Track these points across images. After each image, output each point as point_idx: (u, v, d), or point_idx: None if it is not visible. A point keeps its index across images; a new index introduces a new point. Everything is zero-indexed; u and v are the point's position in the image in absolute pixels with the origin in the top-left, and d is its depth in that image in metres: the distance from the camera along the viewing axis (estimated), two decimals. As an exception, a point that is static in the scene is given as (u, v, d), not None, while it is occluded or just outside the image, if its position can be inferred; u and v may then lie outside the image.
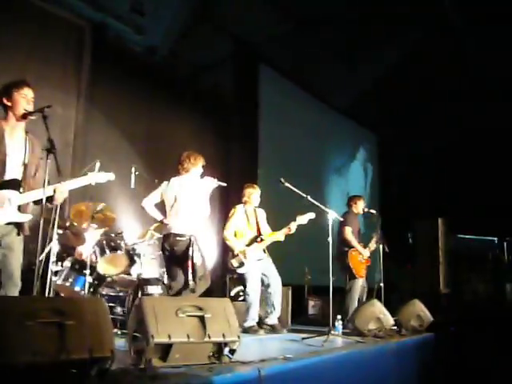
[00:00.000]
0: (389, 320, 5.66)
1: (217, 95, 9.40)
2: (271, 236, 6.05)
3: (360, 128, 12.80)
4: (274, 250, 6.35)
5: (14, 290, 3.57)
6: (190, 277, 4.96)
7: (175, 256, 5.19)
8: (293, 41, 9.44)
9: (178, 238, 5.18)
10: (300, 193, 5.57)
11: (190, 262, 4.98)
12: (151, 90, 7.88)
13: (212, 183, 5.36)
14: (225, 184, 5.52)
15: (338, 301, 6.96)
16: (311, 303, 8.19)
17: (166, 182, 5.50)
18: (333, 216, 5.56)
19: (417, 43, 10.33)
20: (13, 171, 3.63)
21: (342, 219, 6.46)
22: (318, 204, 5.61)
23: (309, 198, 5.49)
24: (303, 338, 5.02)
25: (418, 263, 10.15)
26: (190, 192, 5.28)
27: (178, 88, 8.41)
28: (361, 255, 6.73)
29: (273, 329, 5.79)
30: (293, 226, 5.97)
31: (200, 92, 8.95)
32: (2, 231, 3.56)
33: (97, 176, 4.07)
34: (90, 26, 7.13)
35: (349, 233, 6.69)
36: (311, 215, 6.00)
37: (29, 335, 2.27)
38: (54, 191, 3.62)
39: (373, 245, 6.89)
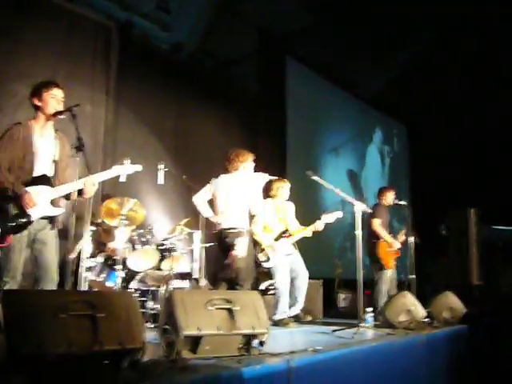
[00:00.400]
0: (420, 312, 5.60)
1: (243, 90, 9.43)
2: (300, 232, 6.08)
3: (389, 118, 12.65)
4: (304, 243, 6.37)
5: (51, 284, 3.69)
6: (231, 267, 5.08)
7: (227, 250, 5.32)
8: (318, 32, 9.39)
9: (227, 231, 5.32)
10: (327, 185, 5.54)
11: (232, 253, 5.10)
12: (178, 86, 7.96)
13: (264, 178, 5.46)
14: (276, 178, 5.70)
15: (369, 294, 6.97)
16: (342, 296, 8.18)
17: (214, 179, 5.60)
18: (361, 208, 5.52)
19: (443, 31, 10.15)
20: (44, 168, 3.75)
21: (370, 211, 6.43)
22: (346, 196, 5.58)
23: (336, 190, 5.46)
24: (333, 331, 5.01)
25: (451, 254, 10.00)
26: (239, 189, 5.38)
27: (205, 83, 8.46)
28: (390, 247, 6.67)
29: (296, 319, 5.87)
30: (319, 225, 6.02)
31: (226, 87, 9.00)
32: (37, 226, 3.68)
33: (125, 168, 4.17)
34: (116, 26, 7.23)
35: (377, 224, 6.64)
36: (338, 214, 6.07)
37: (63, 327, 2.34)
38: (84, 184, 3.72)
39: (402, 236, 6.83)
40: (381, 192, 7.06)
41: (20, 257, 3.60)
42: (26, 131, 3.70)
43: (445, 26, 10.16)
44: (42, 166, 3.75)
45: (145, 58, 7.52)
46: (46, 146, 3.79)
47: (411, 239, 6.81)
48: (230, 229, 5.32)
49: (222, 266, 5.39)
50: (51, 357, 2.26)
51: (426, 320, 5.62)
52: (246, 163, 5.49)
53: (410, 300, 5.67)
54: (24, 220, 3.59)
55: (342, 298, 8.18)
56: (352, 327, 4.94)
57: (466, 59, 10.38)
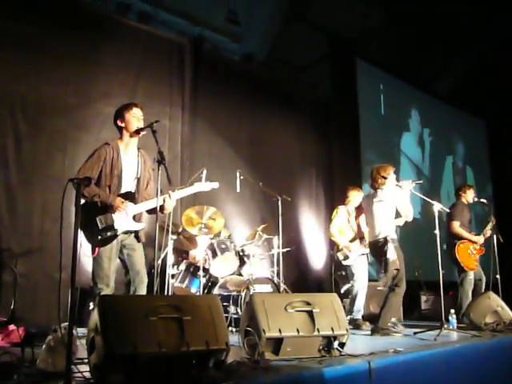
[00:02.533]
0: (508, 313, 5.43)
1: (315, 95, 9.48)
2: None
3: (464, 114, 12.24)
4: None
5: (142, 286, 3.98)
6: (382, 271, 5.22)
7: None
8: (389, 32, 9.29)
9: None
10: (403, 186, 5.49)
11: (382, 258, 5.22)
12: (251, 94, 8.12)
13: (410, 185, 5.42)
14: (420, 181, 5.81)
15: (452, 295, 6.80)
16: (423, 298, 8.00)
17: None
18: (438, 207, 5.44)
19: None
20: (127, 185, 4.02)
21: (448, 211, 6.29)
22: (423, 196, 5.53)
23: (412, 190, 5.42)
24: (415, 333, 4.97)
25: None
26: (387, 202, 5.40)
27: (277, 91, 8.58)
28: (473, 245, 6.46)
29: (354, 326, 5.91)
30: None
31: (299, 92, 9.08)
32: (123, 238, 3.94)
33: (202, 185, 4.36)
34: (189, 41, 7.50)
35: (456, 227, 6.45)
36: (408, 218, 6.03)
37: (154, 329, 2.51)
38: (164, 201, 3.94)
39: (488, 231, 6.62)
40: (460, 190, 6.87)
41: (110, 265, 3.87)
42: (112, 151, 3.98)
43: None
44: (127, 183, 4.03)
45: (217, 70, 7.75)
46: (130, 164, 4.06)
47: (494, 238, 6.57)
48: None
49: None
50: (144, 356, 2.44)
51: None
52: (389, 177, 5.47)
53: (495, 301, 5.51)
54: (111, 233, 3.86)
55: (424, 300, 8.00)
56: (434, 329, 4.87)
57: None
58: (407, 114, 10.96)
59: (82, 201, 3.62)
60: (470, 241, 6.46)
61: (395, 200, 5.40)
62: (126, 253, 3.99)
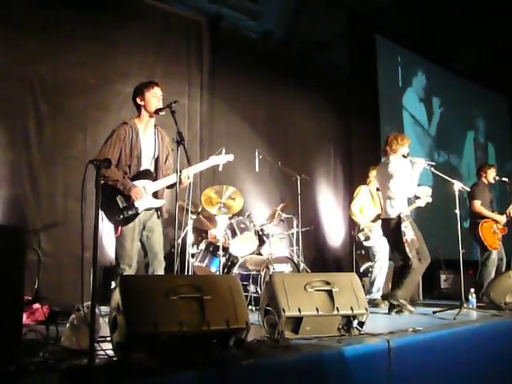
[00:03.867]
0: (529, 292, 5.40)
1: (334, 72, 9.37)
2: None
3: (487, 91, 12.00)
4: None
5: (160, 267, 4.04)
6: (407, 251, 5.08)
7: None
8: (408, 7, 9.10)
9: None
10: (425, 162, 5.42)
11: (404, 238, 5.11)
12: (269, 72, 8.04)
13: (423, 163, 5.34)
14: (433, 163, 5.48)
15: (472, 274, 6.77)
16: (443, 277, 7.97)
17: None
18: (459, 186, 5.40)
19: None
20: (146, 163, 4.06)
21: (469, 190, 6.24)
22: (443, 175, 5.48)
23: (433, 169, 5.36)
24: (434, 312, 4.96)
25: None
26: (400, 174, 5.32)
27: (296, 69, 8.50)
28: (496, 225, 6.41)
29: (373, 304, 5.81)
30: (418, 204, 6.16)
31: (317, 70, 8.98)
32: (145, 217, 4.00)
33: (217, 158, 4.36)
34: (206, 20, 7.43)
35: (478, 205, 6.40)
36: (428, 199, 6.04)
37: (174, 309, 2.55)
38: (180, 178, 3.97)
39: (511, 211, 6.56)
40: (481, 169, 6.79)
41: (133, 245, 3.93)
42: (131, 132, 3.99)
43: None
44: (146, 161, 4.05)
45: (235, 48, 7.68)
46: (149, 142, 4.08)
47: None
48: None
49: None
50: (165, 335, 2.48)
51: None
52: (404, 147, 5.38)
53: (516, 280, 5.47)
54: (132, 212, 3.90)
55: (444, 279, 7.97)
56: (454, 308, 4.87)
57: None
58: (430, 92, 10.78)
59: (102, 181, 3.68)
60: (492, 220, 6.42)
61: (407, 173, 5.27)
62: (146, 235, 4.04)
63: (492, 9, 9.57)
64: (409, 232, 5.10)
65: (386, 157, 5.48)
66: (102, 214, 3.79)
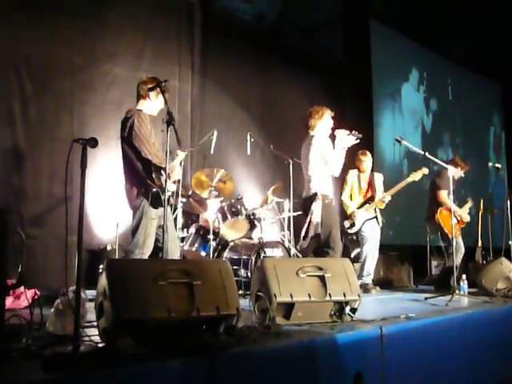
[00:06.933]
0: (520, 279, 5.38)
1: (328, 56, 9.26)
2: (377, 201, 6.29)
3: (480, 77, 11.93)
4: (394, 210, 6.37)
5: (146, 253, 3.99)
6: (302, 234, 4.91)
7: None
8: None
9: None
10: (417, 150, 5.40)
11: (308, 218, 4.87)
12: (262, 56, 7.92)
13: (347, 138, 4.94)
14: (360, 135, 5.03)
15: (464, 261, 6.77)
16: (434, 263, 7.96)
17: None
18: (452, 172, 5.35)
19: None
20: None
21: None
22: (437, 160, 5.42)
23: (426, 154, 5.29)
24: (426, 298, 4.93)
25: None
26: (320, 149, 5.00)
27: (289, 52, 8.37)
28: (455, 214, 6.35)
29: (364, 290, 5.73)
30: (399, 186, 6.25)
31: (310, 54, 8.86)
32: None
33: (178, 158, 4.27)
34: (198, 0, 7.27)
35: (445, 196, 6.36)
36: (425, 171, 6.16)
37: (163, 294, 2.47)
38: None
39: (467, 207, 6.71)
40: (454, 161, 6.68)
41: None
42: (149, 124, 4.05)
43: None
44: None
45: (227, 31, 7.53)
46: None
47: (508, 204, 6.48)
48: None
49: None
50: (153, 322, 2.40)
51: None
52: (322, 121, 5.12)
53: (507, 267, 5.46)
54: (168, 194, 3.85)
55: (435, 266, 7.96)
56: (446, 295, 4.84)
57: None
58: (424, 78, 10.69)
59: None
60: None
61: (329, 148, 4.92)
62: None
63: None
64: (316, 214, 4.81)
65: (307, 135, 5.18)
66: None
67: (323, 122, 5.13)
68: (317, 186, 4.94)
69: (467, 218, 6.61)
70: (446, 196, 6.37)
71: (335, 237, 4.90)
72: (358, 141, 5.01)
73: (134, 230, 3.99)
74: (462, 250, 6.44)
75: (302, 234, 4.92)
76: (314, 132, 5.11)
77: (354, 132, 4.97)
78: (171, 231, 4.11)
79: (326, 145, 4.97)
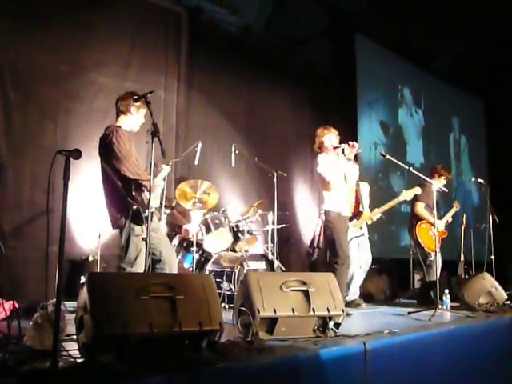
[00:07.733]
0: (502, 294, 5.40)
1: (313, 69, 9.29)
2: (366, 217, 6.18)
3: (463, 93, 12.07)
4: (378, 224, 6.35)
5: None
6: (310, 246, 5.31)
7: None
8: (389, 7, 9.08)
9: None
10: (402, 164, 5.42)
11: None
12: (248, 68, 7.93)
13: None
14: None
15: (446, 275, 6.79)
16: (417, 277, 7.98)
17: None
18: (436, 187, 5.38)
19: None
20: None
21: (446, 190, 6.21)
22: (421, 175, 5.45)
23: (411, 169, 5.32)
24: (409, 313, 4.93)
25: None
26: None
27: (274, 64, 8.39)
28: (433, 229, 6.37)
29: (352, 305, 5.72)
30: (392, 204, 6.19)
31: (296, 66, 8.89)
32: None
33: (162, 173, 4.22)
34: (186, 12, 7.27)
35: (420, 208, 6.41)
36: (417, 190, 6.09)
37: (145, 309, 2.43)
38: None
39: (449, 217, 6.72)
40: (435, 171, 6.65)
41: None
42: (129, 140, 4.00)
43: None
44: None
45: (214, 42, 7.53)
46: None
47: (490, 218, 6.52)
48: None
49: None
50: (135, 337, 2.35)
51: (508, 303, 5.41)
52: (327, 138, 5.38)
53: (489, 282, 5.48)
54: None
55: (418, 279, 7.98)
56: (429, 309, 4.84)
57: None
58: (409, 92, 10.80)
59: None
60: (430, 223, 6.41)
61: (332, 166, 5.18)
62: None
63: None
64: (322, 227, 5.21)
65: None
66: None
67: (327, 140, 5.32)
68: (325, 203, 5.21)
69: (440, 226, 6.50)
70: (422, 208, 6.42)
71: (343, 249, 5.08)
72: (360, 150, 5.36)
73: (125, 248, 3.93)
74: (439, 263, 6.44)
75: (310, 245, 5.36)
76: (319, 150, 5.35)
77: (350, 143, 5.20)
78: (167, 243, 4.13)
79: (331, 163, 5.18)
